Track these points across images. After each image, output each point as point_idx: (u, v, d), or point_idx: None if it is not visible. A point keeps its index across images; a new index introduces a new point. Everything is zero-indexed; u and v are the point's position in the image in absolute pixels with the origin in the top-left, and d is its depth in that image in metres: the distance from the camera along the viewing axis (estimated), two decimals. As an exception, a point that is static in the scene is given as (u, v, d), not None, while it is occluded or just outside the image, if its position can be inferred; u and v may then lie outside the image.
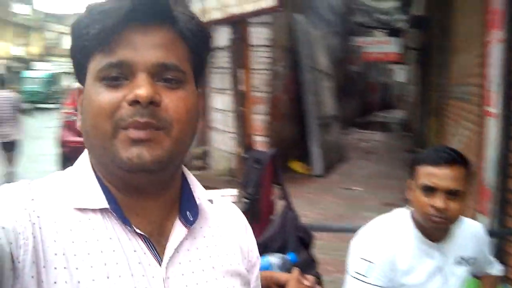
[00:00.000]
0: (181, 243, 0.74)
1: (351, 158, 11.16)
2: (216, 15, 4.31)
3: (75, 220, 0.68)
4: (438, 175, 1.52)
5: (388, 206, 7.28)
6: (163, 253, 0.72)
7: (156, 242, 0.72)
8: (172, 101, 0.68)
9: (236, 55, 4.22)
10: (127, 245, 0.69)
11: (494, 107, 3.44)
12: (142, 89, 0.65)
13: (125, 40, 0.68)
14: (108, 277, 0.66)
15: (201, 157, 9.19)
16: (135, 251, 0.69)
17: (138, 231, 0.70)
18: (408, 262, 1.61)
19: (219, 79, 8.41)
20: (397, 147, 14.01)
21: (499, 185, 3.27)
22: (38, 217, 0.65)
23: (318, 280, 1.95)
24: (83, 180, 0.73)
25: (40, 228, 0.65)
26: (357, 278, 1.60)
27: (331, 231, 4.09)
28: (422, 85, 13.17)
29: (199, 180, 0.85)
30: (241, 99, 4.03)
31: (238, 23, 4.20)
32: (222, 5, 4.18)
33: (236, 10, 4.04)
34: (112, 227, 0.69)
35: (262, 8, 3.90)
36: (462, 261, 1.67)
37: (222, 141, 8.78)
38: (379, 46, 16.73)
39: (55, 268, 0.64)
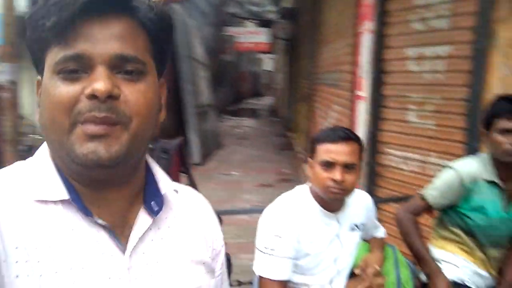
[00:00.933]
0: (146, 233, 0.73)
1: (227, 144, 11.50)
2: None
3: (35, 213, 0.67)
4: (336, 151, 1.68)
5: (264, 187, 7.71)
6: (127, 243, 0.71)
7: (119, 233, 0.72)
8: (132, 94, 0.67)
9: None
10: (89, 236, 0.68)
11: (364, 91, 3.83)
12: (100, 83, 0.63)
13: (82, 32, 0.65)
14: (71, 269, 0.66)
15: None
16: (97, 241, 0.69)
17: (100, 221, 0.69)
18: (311, 232, 1.75)
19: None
20: (268, 132, 14.72)
21: (369, 160, 3.67)
22: None
23: (228, 261, 2.02)
24: (43, 171, 0.71)
25: None
26: (267, 253, 1.69)
27: (234, 214, 4.19)
28: (290, 73, 13.97)
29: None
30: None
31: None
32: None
33: None
34: (73, 219, 0.68)
35: None
36: (355, 227, 1.87)
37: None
38: (250, 36, 17.29)
39: (16, 262, 0.63)
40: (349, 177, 1.68)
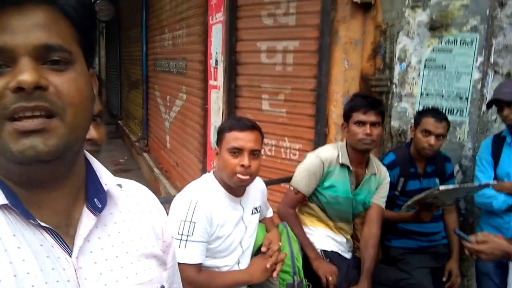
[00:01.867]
0: (91, 231, 0.72)
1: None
2: None
3: None
4: (243, 138, 1.81)
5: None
6: (73, 244, 0.70)
7: (64, 234, 0.70)
8: (62, 84, 0.64)
9: None
10: (33, 240, 0.66)
11: (218, 81, 3.98)
12: (25, 74, 0.60)
13: (0, 24, 0.62)
14: (15, 276, 0.63)
15: None
16: (41, 245, 0.66)
17: (42, 224, 0.67)
18: (221, 216, 1.85)
19: None
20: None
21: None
22: None
23: None
24: None
25: None
26: (183, 239, 1.74)
27: None
28: (111, 57, 13.32)
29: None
30: None
31: None
32: None
33: None
34: (14, 223, 0.66)
35: None
36: (255, 210, 2.02)
37: None
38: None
39: None
40: (255, 163, 1.82)
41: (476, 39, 2.67)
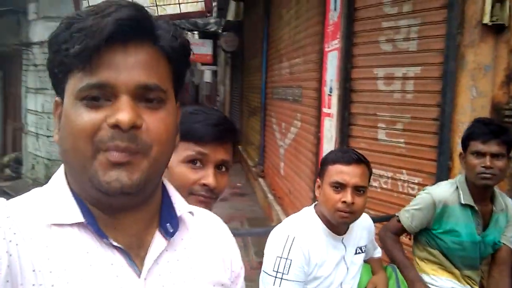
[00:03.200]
0: (161, 254, 0.74)
1: (175, 157, 11.24)
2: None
3: (51, 236, 0.67)
4: (347, 172, 1.69)
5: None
6: (143, 266, 0.71)
7: (134, 255, 0.72)
8: (153, 123, 0.68)
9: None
10: (104, 258, 0.69)
11: (332, 109, 3.89)
12: (123, 113, 0.64)
13: (106, 60, 0.65)
14: None
15: (10, 165, 8.03)
16: (112, 264, 0.69)
17: (115, 244, 0.69)
18: (320, 255, 1.73)
19: (35, 78, 7.46)
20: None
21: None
22: (14, 234, 0.64)
23: None
24: (59, 195, 0.71)
25: (16, 245, 0.63)
26: (276, 277, 1.65)
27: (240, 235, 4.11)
28: (235, 85, 13.97)
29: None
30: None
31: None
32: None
33: (153, 11, 3.69)
34: (88, 242, 0.69)
35: (187, 12, 3.71)
36: (359, 250, 1.87)
37: (39, 146, 7.82)
38: (193, 47, 17.12)
39: (33, 285, 0.63)
40: (359, 200, 1.69)
41: None
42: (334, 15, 3.85)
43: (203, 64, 22.68)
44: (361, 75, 3.58)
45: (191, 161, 1.21)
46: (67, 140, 0.68)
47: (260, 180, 7.59)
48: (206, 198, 1.22)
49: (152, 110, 0.68)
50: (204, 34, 17.23)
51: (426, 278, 2.17)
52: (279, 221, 5.41)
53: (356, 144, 3.65)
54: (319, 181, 1.80)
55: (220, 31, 15.42)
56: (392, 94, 3.33)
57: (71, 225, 0.69)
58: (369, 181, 1.77)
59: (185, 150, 1.20)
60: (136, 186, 0.67)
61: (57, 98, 0.73)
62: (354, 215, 1.72)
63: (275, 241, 1.74)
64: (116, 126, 0.64)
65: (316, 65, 4.39)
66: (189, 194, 1.21)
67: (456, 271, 2.15)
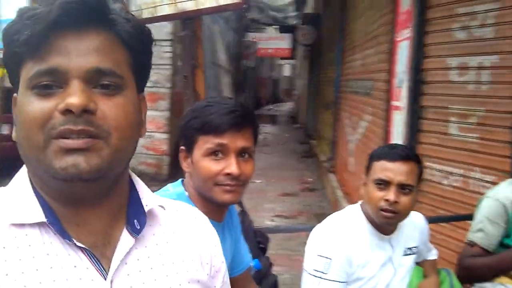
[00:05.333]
0: (130, 252, 0.70)
1: (248, 151, 11.42)
2: (166, 10, 4.05)
3: (10, 237, 0.64)
4: (392, 169, 1.59)
5: (288, 196, 7.62)
6: (109, 266, 0.68)
7: (100, 255, 0.68)
8: (110, 108, 0.65)
9: (187, 52, 4.01)
10: (67, 260, 0.66)
11: (401, 102, 3.71)
12: (74, 97, 0.62)
13: (56, 46, 0.64)
14: None
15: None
16: (75, 266, 0.66)
17: (79, 244, 0.66)
18: (363, 255, 1.65)
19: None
20: (289, 139, 14.63)
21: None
22: None
23: (275, 282, 1.94)
24: (20, 194, 0.69)
25: None
26: (316, 276, 1.60)
27: (282, 232, 4.14)
28: (312, 79, 13.85)
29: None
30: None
31: (191, 19, 4.01)
32: (174, 0, 3.94)
33: (190, 5, 3.82)
34: (50, 242, 0.66)
35: (224, 4, 3.79)
36: (409, 251, 1.76)
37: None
38: (271, 42, 17.31)
39: None
40: (404, 199, 1.59)
41: None
42: (406, 3, 3.66)
43: (282, 58, 22.76)
44: (433, 65, 3.37)
45: (212, 153, 1.23)
46: (20, 132, 0.66)
47: (330, 175, 7.46)
48: (232, 186, 1.24)
49: (108, 96, 0.66)
50: (284, 28, 17.27)
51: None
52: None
53: (426, 139, 3.45)
54: (365, 178, 1.72)
55: (299, 23, 15.35)
56: (466, 85, 3.09)
57: (32, 225, 0.66)
58: (419, 179, 1.66)
59: (205, 143, 1.23)
60: (95, 172, 0.64)
61: (15, 94, 0.70)
62: (398, 215, 1.62)
63: (317, 239, 1.69)
64: (67, 111, 0.62)
65: (386, 57, 4.21)
66: (214, 185, 1.24)
67: None
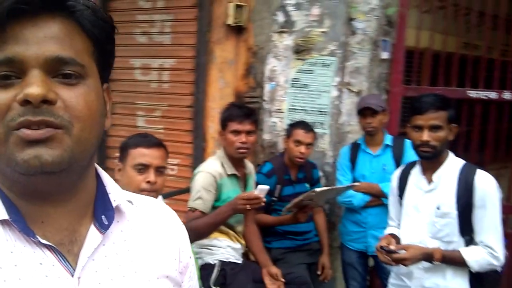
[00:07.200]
0: (97, 249, 0.68)
1: None
2: None
3: None
4: (151, 155, 1.81)
5: None
6: (77, 263, 0.66)
7: (66, 252, 0.66)
8: (71, 98, 0.62)
9: None
10: (31, 258, 0.63)
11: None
12: (33, 87, 0.59)
13: (13, 34, 0.61)
14: None
15: None
16: (41, 264, 0.63)
17: (43, 241, 0.64)
18: None
19: None
20: None
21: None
22: None
23: None
24: None
25: None
26: None
27: None
28: None
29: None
30: None
31: None
32: None
33: None
34: (14, 240, 0.63)
35: None
36: None
37: None
38: None
39: None
40: (160, 179, 1.84)
41: (334, 62, 3.10)
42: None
43: None
44: (118, 64, 3.64)
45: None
46: None
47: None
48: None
49: (69, 86, 0.63)
50: None
51: (207, 241, 2.45)
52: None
53: (116, 132, 3.72)
54: (120, 164, 1.86)
55: None
56: (150, 84, 3.56)
57: None
58: (166, 162, 1.92)
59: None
60: (58, 164, 0.61)
61: None
62: (156, 193, 1.84)
63: None
64: (26, 102, 0.59)
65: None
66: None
67: (231, 232, 2.52)
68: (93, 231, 0.69)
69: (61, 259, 0.65)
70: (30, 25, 0.61)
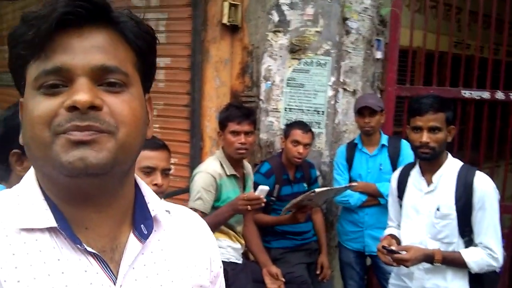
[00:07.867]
0: (137, 258, 0.70)
1: None
2: None
3: (19, 243, 0.63)
4: (157, 157, 1.82)
5: None
6: (118, 270, 0.68)
7: (109, 259, 0.68)
8: (116, 104, 0.65)
9: None
10: (77, 265, 0.65)
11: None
12: (80, 94, 0.62)
13: (61, 44, 0.64)
14: None
15: None
16: (85, 271, 0.65)
17: (89, 249, 0.66)
18: None
19: None
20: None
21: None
22: None
23: None
24: (29, 198, 0.67)
25: None
26: None
27: None
28: None
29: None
30: None
31: None
32: None
33: None
34: (60, 247, 0.65)
35: None
36: None
37: None
38: None
39: None
40: (166, 181, 1.86)
41: (329, 61, 3.13)
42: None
43: None
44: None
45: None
46: (27, 132, 0.64)
47: None
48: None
49: (114, 94, 0.65)
50: None
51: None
52: None
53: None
54: None
55: None
56: (145, 82, 3.54)
57: (41, 230, 0.64)
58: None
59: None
60: (102, 166, 0.63)
61: (21, 99, 0.68)
62: (162, 195, 1.87)
63: None
64: (73, 108, 0.61)
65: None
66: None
67: (231, 233, 2.54)
68: (133, 240, 0.71)
69: (104, 267, 0.67)
70: (76, 35, 0.64)
